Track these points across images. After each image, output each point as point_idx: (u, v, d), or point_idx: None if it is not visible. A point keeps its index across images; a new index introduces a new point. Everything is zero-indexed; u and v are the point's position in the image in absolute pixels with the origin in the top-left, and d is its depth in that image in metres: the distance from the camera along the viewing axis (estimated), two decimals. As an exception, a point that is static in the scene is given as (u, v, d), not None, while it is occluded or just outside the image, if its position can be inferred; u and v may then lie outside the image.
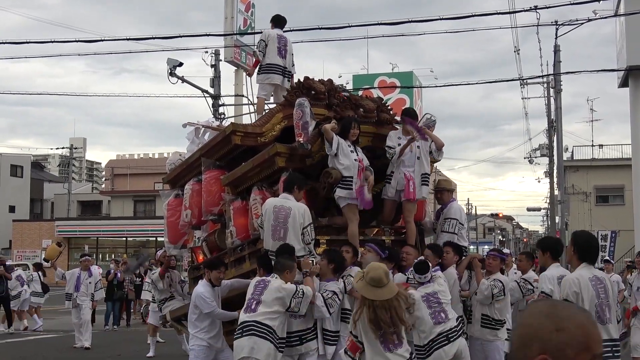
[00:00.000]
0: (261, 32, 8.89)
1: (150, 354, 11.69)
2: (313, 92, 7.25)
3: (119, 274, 16.94)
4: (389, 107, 7.82)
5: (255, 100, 8.89)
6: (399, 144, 7.06)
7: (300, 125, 6.67)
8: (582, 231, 5.72)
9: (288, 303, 5.70)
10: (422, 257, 6.56)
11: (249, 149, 7.24)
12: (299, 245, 6.26)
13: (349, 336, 5.26)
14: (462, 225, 7.52)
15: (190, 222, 8.18)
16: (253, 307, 5.72)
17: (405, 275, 6.50)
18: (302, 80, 7.35)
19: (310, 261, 6.20)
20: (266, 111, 8.05)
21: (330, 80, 7.44)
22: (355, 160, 6.78)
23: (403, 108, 7.76)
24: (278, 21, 8.70)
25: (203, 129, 8.96)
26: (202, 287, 6.85)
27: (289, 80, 8.41)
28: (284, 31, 8.83)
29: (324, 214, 7.15)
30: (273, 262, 6.10)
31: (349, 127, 6.90)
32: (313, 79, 7.28)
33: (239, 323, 5.89)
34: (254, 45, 8.85)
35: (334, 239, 6.94)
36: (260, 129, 7.10)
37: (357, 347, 5.01)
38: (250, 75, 9.85)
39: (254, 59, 8.88)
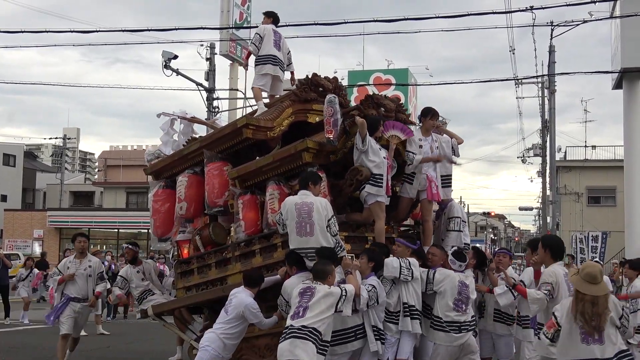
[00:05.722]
0: (257, 27, 8.92)
1: None
2: (321, 88, 7.40)
3: (113, 266, 16.93)
4: (405, 109, 8.00)
5: (249, 94, 8.89)
6: (421, 146, 7.31)
7: (332, 122, 6.74)
8: (551, 235, 6.32)
9: (335, 305, 5.77)
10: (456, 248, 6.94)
11: (256, 143, 7.25)
12: (327, 238, 6.25)
13: (551, 317, 5.35)
14: (465, 222, 7.76)
15: (186, 215, 8.11)
16: (301, 313, 5.70)
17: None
18: (310, 76, 7.50)
19: (350, 259, 6.23)
20: (265, 101, 8.13)
21: (335, 79, 7.61)
22: (384, 158, 6.88)
23: (423, 108, 7.88)
24: (274, 17, 8.68)
25: (178, 120, 8.93)
26: (248, 297, 6.43)
27: (283, 72, 8.45)
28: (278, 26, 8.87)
29: (340, 211, 7.13)
30: (313, 269, 6.00)
31: (377, 125, 6.99)
32: (320, 76, 7.45)
33: (284, 328, 5.86)
34: (250, 39, 8.82)
35: (350, 236, 7.01)
36: (271, 123, 7.14)
37: (554, 324, 5.18)
38: (245, 67, 9.87)
39: (247, 51, 8.89)
